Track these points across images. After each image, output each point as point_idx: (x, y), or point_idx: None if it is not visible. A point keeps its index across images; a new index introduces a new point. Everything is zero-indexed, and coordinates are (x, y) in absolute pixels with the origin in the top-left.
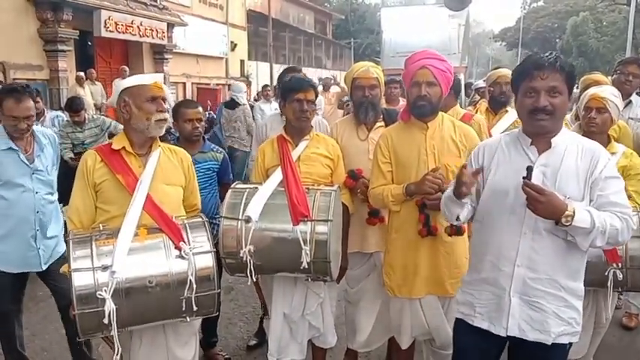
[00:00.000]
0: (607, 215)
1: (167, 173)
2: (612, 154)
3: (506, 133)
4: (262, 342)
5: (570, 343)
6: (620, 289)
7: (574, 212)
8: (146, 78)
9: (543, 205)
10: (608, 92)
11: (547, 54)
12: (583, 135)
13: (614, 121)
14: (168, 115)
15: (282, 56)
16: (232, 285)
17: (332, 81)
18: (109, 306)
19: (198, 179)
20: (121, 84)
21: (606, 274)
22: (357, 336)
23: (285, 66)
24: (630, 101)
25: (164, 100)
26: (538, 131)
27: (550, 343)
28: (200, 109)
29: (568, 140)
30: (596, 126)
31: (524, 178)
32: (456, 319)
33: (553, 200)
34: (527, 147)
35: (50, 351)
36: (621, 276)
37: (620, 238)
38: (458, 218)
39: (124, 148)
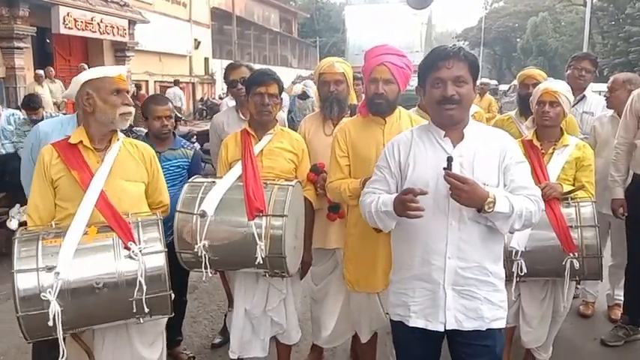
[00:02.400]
0: (521, 199)
1: (126, 168)
2: (565, 146)
3: (416, 126)
4: (227, 340)
5: (503, 329)
6: (577, 278)
7: (495, 199)
8: (110, 70)
9: (467, 194)
10: (559, 86)
11: (450, 46)
12: (537, 129)
13: (566, 114)
14: (133, 109)
15: (247, 54)
16: (196, 284)
17: (314, 79)
18: (54, 308)
19: (167, 176)
20: (83, 76)
21: (564, 263)
22: (321, 332)
23: (248, 64)
24: (584, 96)
25: (128, 92)
26: (447, 121)
27: (485, 329)
28: (170, 105)
29: (477, 130)
30: (549, 119)
31: (445, 168)
32: (393, 321)
33: (476, 188)
34: (441, 139)
35: (7, 355)
36: (578, 265)
37: (534, 220)
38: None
39: (81, 142)
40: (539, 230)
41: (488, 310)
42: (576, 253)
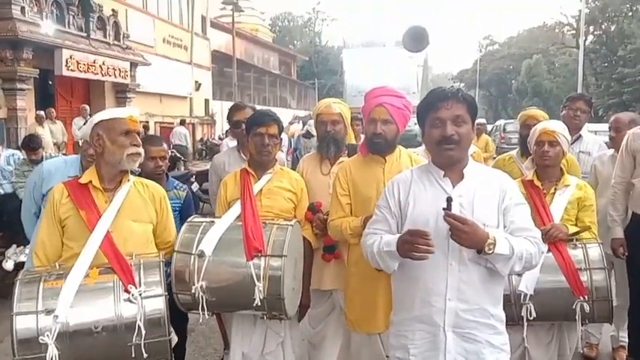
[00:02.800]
0: (521, 240)
1: (135, 209)
2: (566, 186)
3: (416, 166)
4: None
5: None
6: (586, 322)
7: (495, 240)
8: (121, 111)
9: (467, 235)
10: (557, 125)
11: (449, 87)
12: (536, 169)
13: (565, 154)
14: (141, 150)
15: (247, 96)
16: (192, 326)
17: (310, 119)
18: (51, 352)
19: None
20: (95, 117)
21: (574, 307)
22: None
23: (252, 106)
24: (580, 135)
25: (139, 134)
26: (447, 161)
27: None
28: (165, 146)
29: (476, 171)
30: (549, 159)
31: (444, 209)
32: None
33: (476, 229)
34: (440, 179)
35: None
36: (588, 308)
37: (534, 262)
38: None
39: (91, 182)
40: (548, 273)
41: (490, 353)
42: (586, 296)
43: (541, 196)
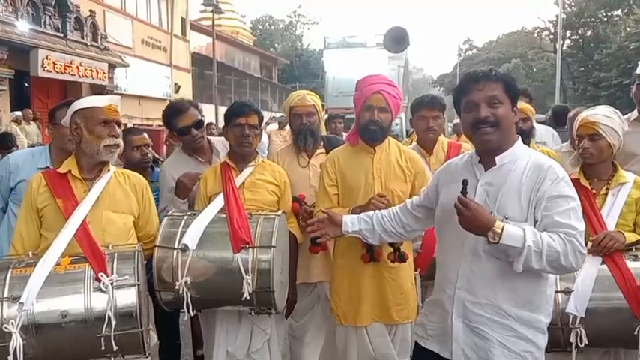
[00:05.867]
0: (546, 235)
1: (115, 200)
2: (621, 184)
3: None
4: None
5: None
6: None
7: (502, 230)
8: (100, 99)
9: (467, 220)
10: (599, 114)
11: (481, 68)
12: (582, 166)
13: (613, 146)
14: (120, 141)
15: (228, 99)
16: None
17: (286, 119)
18: (15, 341)
19: None
20: (74, 104)
21: (635, 332)
22: None
23: (196, 104)
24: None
25: (118, 124)
26: (484, 146)
27: None
28: (146, 135)
29: (519, 157)
30: (590, 156)
31: (461, 192)
32: (415, 341)
33: (479, 215)
34: (475, 165)
35: None
36: None
37: (564, 262)
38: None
39: (70, 171)
40: (602, 291)
41: (502, 355)
42: None
43: (590, 197)
